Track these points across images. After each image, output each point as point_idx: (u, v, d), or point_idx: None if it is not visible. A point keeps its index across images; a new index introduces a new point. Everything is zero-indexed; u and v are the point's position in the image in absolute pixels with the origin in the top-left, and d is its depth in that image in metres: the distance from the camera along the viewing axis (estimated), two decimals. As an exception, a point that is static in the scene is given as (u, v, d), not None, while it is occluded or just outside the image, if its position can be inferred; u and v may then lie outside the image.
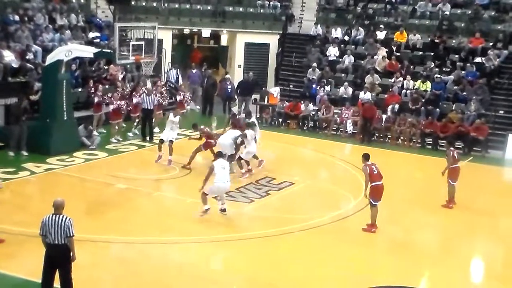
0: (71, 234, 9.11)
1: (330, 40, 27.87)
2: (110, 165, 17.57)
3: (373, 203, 13.35)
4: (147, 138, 20.16)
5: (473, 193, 16.95)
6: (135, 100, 20.79)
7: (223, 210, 13.61)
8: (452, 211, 15.19)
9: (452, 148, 16.07)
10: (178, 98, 23.32)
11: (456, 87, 23.91)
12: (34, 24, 23.47)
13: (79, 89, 21.75)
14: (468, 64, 24.60)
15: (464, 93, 23.51)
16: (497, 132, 22.07)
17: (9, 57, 20.56)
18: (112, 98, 20.10)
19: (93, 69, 23.23)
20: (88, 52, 19.82)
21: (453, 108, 23.04)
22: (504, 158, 21.00)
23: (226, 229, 13.31)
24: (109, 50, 22.37)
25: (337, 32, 28.08)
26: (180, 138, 19.75)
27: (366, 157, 13.61)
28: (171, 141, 17.62)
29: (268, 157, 18.25)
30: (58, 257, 9.17)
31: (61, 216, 9.17)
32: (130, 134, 20.68)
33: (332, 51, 26.78)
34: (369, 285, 10.89)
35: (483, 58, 24.73)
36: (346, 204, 15.37)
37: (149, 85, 23.09)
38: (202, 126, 18.10)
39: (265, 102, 25.70)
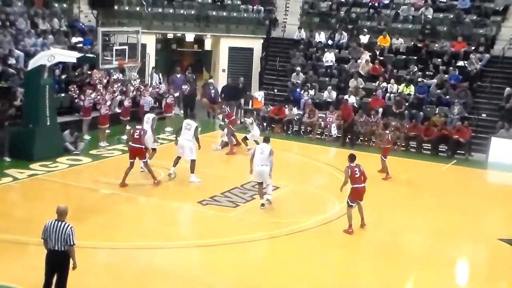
0: (72, 243, 9.13)
1: (313, 44, 27.98)
2: (94, 170, 17.46)
3: (350, 203, 13.46)
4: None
5: (457, 195, 17.08)
6: (126, 103, 20.75)
7: (263, 205, 14.64)
8: (436, 213, 15.27)
9: (387, 131, 18.69)
10: (168, 100, 23.26)
11: (439, 91, 24.09)
12: (16, 29, 23.27)
13: (62, 94, 21.60)
14: (451, 68, 24.80)
15: (447, 97, 23.72)
16: (479, 135, 22.23)
17: (-10, 62, 20.41)
18: (101, 104, 20.10)
19: (76, 74, 23.09)
20: (71, 57, 19.71)
21: (436, 111, 23.20)
22: (487, 161, 21.14)
23: (211, 233, 13.26)
24: (92, 55, 22.29)
25: (320, 36, 28.18)
26: (164, 143, 19.82)
27: (351, 158, 13.68)
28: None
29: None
30: (57, 263, 9.21)
31: (63, 223, 9.18)
32: (124, 137, 20.59)
33: (329, 57, 26.79)
34: (355, 289, 10.93)
35: (465, 62, 24.95)
36: (331, 208, 15.37)
37: (131, 89, 23.06)
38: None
39: (250, 107, 25.70)
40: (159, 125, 21.82)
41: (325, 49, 27.33)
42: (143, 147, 15.94)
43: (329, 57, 26.76)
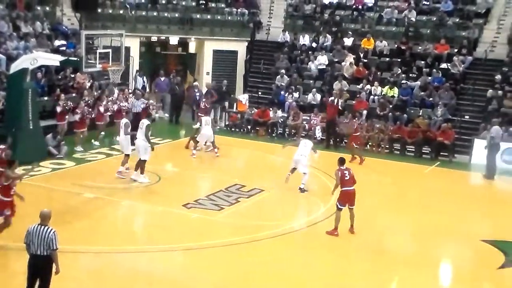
0: (54, 247, 9.11)
1: (298, 47, 28.03)
2: (77, 174, 17.33)
3: (339, 206, 13.51)
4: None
5: (440, 197, 17.17)
6: (101, 108, 20.60)
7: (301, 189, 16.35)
8: (420, 215, 15.33)
9: (354, 120, 20.86)
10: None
11: (422, 93, 24.21)
12: (-2, 32, 23.09)
13: (45, 98, 21.41)
14: (434, 70, 24.94)
15: (431, 99, 23.83)
16: (463, 137, 22.36)
17: (-28, 66, 20.23)
18: (77, 108, 19.89)
19: (60, 77, 22.93)
20: (54, 60, 19.59)
21: (420, 113, 23.32)
22: (471, 163, 21.27)
23: (196, 237, 13.21)
24: (75, 58, 22.18)
25: (305, 39, 28.23)
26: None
27: (341, 161, 13.77)
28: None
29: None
30: (40, 268, 9.17)
31: (46, 227, 9.16)
32: (96, 142, 20.46)
33: (321, 60, 26.75)
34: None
35: (448, 64, 25.11)
36: (315, 211, 15.40)
37: (116, 93, 22.94)
38: None
39: (234, 109, 25.68)
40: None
41: (314, 52, 27.33)
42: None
43: (321, 60, 26.72)
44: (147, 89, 26.02)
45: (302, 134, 23.03)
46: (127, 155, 16.96)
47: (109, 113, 21.19)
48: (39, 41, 23.72)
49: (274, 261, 12.13)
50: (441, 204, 16.52)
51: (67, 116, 20.17)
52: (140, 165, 16.41)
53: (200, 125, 19.57)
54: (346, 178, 13.48)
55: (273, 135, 23.89)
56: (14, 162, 12.26)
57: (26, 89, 17.98)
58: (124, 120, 17.20)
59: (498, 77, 23.92)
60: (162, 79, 26.52)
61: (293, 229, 13.90)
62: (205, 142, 19.82)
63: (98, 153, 19.54)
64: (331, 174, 18.06)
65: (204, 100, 22.64)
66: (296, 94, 25.34)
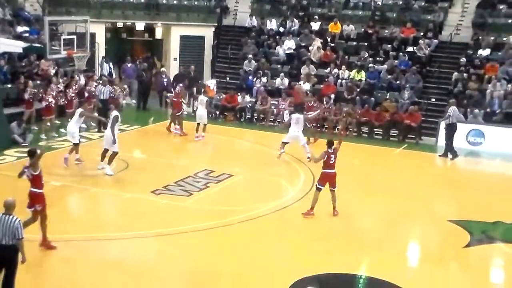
0: (20, 236, 9.01)
1: (265, 31, 27.96)
2: (44, 162, 17.02)
3: (318, 186, 13.77)
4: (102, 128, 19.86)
5: (408, 179, 17.37)
6: (70, 93, 20.33)
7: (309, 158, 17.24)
8: (387, 197, 15.48)
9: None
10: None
11: (389, 76, 24.40)
12: (-44, 18, 22.61)
13: (9, 85, 21.03)
14: (401, 54, 25.12)
15: (398, 82, 24.03)
16: (429, 119, 22.62)
17: None
18: (45, 94, 19.57)
19: (23, 64, 22.54)
20: (16, 46, 19.27)
21: (387, 96, 23.51)
22: (437, 145, 21.53)
23: (165, 223, 13.15)
24: (39, 45, 21.81)
25: (272, 24, 28.17)
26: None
27: (329, 144, 13.95)
28: None
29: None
30: (5, 257, 9.05)
31: (10, 217, 9.05)
32: (63, 130, 20.21)
33: (288, 44, 26.68)
34: (310, 273, 11.00)
35: (414, 48, 25.33)
36: (285, 195, 15.47)
37: (82, 80, 22.63)
38: None
39: (202, 95, 25.49)
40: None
41: (281, 37, 27.29)
42: None
43: (289, 44, 26.68)
44: (114, 76, 25.67)
45: (270, 119, 23.12)
46: (76, 144, 16.58)
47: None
48: (1, 27, 23.26)
49: (245, 245, 12.16)
50: (409, 186, 16.71)
51: (35, 103, 19.89)
52: (110, 156, 16.17)
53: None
54: (330, 162, 13.73)
55: (242, 120, 23.89)
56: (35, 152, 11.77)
57: (-12, 77, 17.66)
58: (114, 113, 16.47)
59: (463, 60, 24.24)
60: (129, 65, 26.28)
61: (262, 213, 13.91)
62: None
63: (65, 140, 19.24)
64: (300, 158, 18.29)
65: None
66: (264, 79, 25.32)
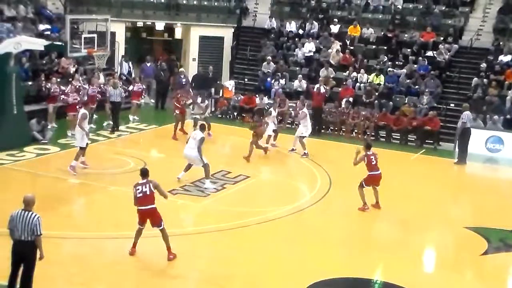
0: (39, 233, 9.07)
1: (284, 33, 27.96)
2: (62, 159, 17.21)
3: (364, 185, 14.20)
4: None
5: (425, 184, 17.26)
6: (90, 91, 20.43)
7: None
8: (404, 202, 15.40)
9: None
10: (133, 88, 22.94)
11: (408, 81, 24.28)
12: (-20, 16, 22.84)
13: (29, 83, 21.22)
14: (420, 58, 24.98)
15: (416, 87, 23.91)
16: (448, 124, 22.47)
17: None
18: (69, 91, 19.79)
19: (44, 62, 22.73)
20: (38, 44, 19.41)
21: (406, 101, 23.38)
22: (455, 151, 21.37)
23: (182, 223, 13.23)
24: (60, 43, 21.97)
25: (291, 26, 28.15)
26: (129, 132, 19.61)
27: (368, 146, 14.33)
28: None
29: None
30: (24, 253, 9.13)
31: (30, 213, 9.11)
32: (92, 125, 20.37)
33: (309, 47, 26.61)
34: (325, 277, 10.99)
35: (434, 52, 25.17)
36: (301, 197, 15.45)
37: (101, 78, 22.79)
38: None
39: (220, 96, 25.59)
40: (124, 113, 21.76)
41: (301, 39, 27.27)
42: None
43: (309, 47, 26.61)
44: (133, 75, 25.83)
45: (288, 121, 23.10)
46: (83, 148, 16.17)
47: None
48: (23, 25, 23.47)
49: (261, 247, 12.16)
50: (426, 191, 16.62)
51: (61, 98, 20.14)
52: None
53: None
54: (372, 163, 14.08)
55: (259, 121, 23.84)
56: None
57: (10, 74, 17.79)
58: (81, 111, 16.27)
59: (483, 65, 24.03)
60: (148, 64, 26.36)
61: (279, 215, 13.91)
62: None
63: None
64: (318, 161, 18.27)
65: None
66: (282, 81, 25.31)
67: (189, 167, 15.62)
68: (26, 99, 19.61)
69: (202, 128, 16.10)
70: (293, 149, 19.42)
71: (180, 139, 19.28)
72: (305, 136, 19.13)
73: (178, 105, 20.50)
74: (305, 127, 19.14)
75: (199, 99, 20.82)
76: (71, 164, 15.69)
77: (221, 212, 14.01)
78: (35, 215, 9.12)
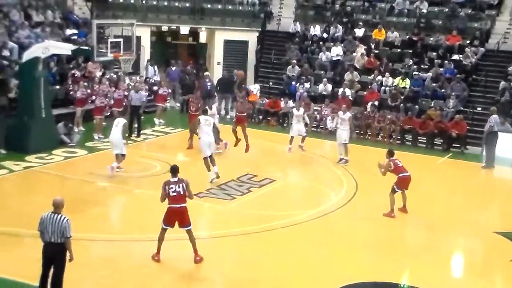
0: (68, 235, 9.18)
1: (309, 37, 27.96)
2: (90, 162, 17.39)
3: (396, 189, 14.18)
4: (134, 134, 20.04)
5: (452, 189, 17.12)
6: (116, 95, 20.60)
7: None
8: (432, 207, 15.28)
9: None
10: (160, 91, 23.12)
11: (434, 84, 24.11)
12: (10, 21, 23.07)
13: (57, 87, 21.49)
14: (446, 62, 24.80)
15: (443, 90, 23.73)
16: (475, 128, 22.25)
17: (-16, 54, 20.30)
18: (96, 95, 20.03)
19: (71, 66, 22.99)
20: (65, 49, 19.65)
21: (432, 104, 23.21)
22: (482, 154, 21.15)
23: (207, 226, 13.28)
24: (87, 47, 22.21)
25: (315, 30, 28.14)
26: (156, 135, 19.59)
27: (390, 153, 14.42)
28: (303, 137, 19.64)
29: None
30: (54, 255, 9.24)
31: (59, 215, 9.22)
32: None
33: (336, 50, 26.57)
34: (351, 281, 10.95)
35: (460, 56, 24.97)
36: (327, 201, 15.41)
37: (127, 81, 23.00)
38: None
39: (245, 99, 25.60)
40: (150, 116, 21.90)
41: (325, 43, 27.24)
42: None
43: (336, 51, 26.56)
44: (158, 78, 26.02)
45: (313, 124, 23.05)
46: (123, 155, 16.37)
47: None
48: (51, 30, 23.76)
49: (287, 251, 12.14)
50: (453, 195, 16.49)
51: (88, 101, 20.42)
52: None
53: None
54: (399, 165, 14.16)
55: (284, 125, 23.82)
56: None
57: (38, 78, 18.03)
58: (122, 121, 16.46)
59: (510, 68, 23.76)
60: (173, 68, 26.52)
61: (305, 219, 13.89)
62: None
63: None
64: (343, 165, 18.22)
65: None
66: (307, 85, 25.30)
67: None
68: (54, 103, 19.87)
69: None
70: (341, 159, 18.61)
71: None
72: (347, 142, 18.61)
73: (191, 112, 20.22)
74: (346, 131, 18.53)
75: (215, 104, 20.60)
76: (112, 165, 15.89)
77: (247, 216, 14.03)
78: (64, 217, 9.22)
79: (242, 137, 18.70)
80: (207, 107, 18.12)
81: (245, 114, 19.45)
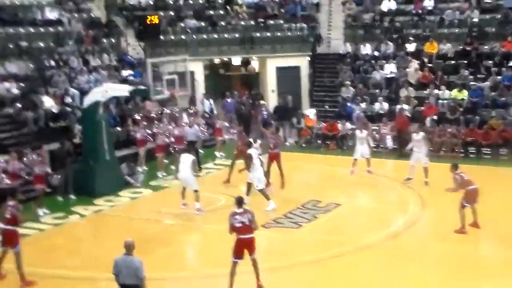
0: (142, 276, 9.33)
1: (360, 57, 27.87)
2: (155, 201, 17.69)
3: (464, 204, 13.88)
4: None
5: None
6: (176, 132, 20.93)
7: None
8: (503, 220, 14.85)
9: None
10: (217, 125, 23.42)
11: (493, 93, 23.61)
12: (69, 68, 23.87)
13: (118, 128, 21.99)
14: (504, 69, 24.28)
15: (503, 98, 23.20)
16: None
17: (49, 102, 21.01)
18: (157, 134, 20.43)
19: (130, 107, 23.52)
20: (123, 90, 20.06)
21: (493, 114, 22.70)
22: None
23: (277, 256, 13.24)
24: (144, 87, 22.68)
25: (366, 48, 28.03)
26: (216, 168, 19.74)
27: (456, 166, 14.25)
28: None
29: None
30: None
31: (131, 257, 9.41)
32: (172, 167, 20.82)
33: (390, 68, 26.46)
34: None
35: (518, 62, 24.43)
36: (394, 222, 15.21)
37: (185, 118, 23.36)
38: None
39: (302, 125, 25.62)
40: (211, 150, 22.10)
41: (377, 61, 27.13)
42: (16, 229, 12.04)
43: (390, 68, 26.40)
44: (215, 112, 26.32)
45: (373, 145, 22.81)
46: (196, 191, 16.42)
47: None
48: (108, 73, 24.45)
49: (359, 276, 12.03)
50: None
51: (150, 141, 20.85)
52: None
53: None
54: (465, 178, 13.96)
55: (344, 148, 23.68)
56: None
57: (99, 121, 18.49)
58: (190, 158, 16.43)
59: None
60: (229, 100, 26.81)
61: (374, 242, 13.74)
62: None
63: (175, 178, 19.82)
64: (408, 184, 17.97)
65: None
66: (363, 105, 25.16)
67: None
68: (116, 145, 20.35)
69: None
70: (409, 178, 18.30)
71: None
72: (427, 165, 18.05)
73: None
74: (420, 153, 18.04)
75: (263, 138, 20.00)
76: (196, 207, 16.03)
77: (315, 243, 13.95)
78: (136, 259, 9.39)
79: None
80: (251, 140, 17.92)
81: (277, 150, 18.32)
